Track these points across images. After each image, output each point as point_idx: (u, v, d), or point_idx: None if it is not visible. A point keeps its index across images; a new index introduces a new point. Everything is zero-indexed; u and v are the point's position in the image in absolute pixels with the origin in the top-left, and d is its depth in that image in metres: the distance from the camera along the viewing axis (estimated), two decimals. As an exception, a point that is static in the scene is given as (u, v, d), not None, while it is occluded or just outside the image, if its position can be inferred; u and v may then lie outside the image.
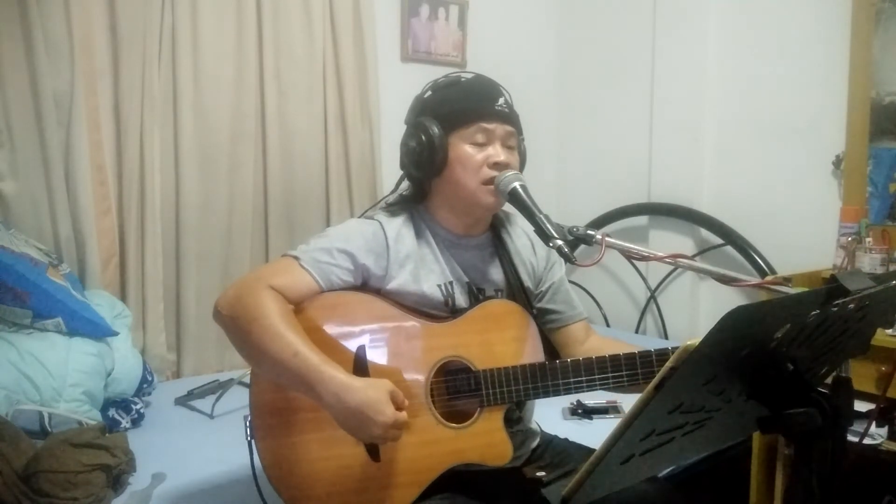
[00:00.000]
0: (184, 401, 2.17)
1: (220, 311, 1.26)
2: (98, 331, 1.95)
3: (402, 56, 2.98)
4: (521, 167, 1.41)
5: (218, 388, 2.19)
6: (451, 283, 1.38)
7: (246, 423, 1.28)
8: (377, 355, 1.29)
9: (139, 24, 2.30)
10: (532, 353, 1.35)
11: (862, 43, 2.40)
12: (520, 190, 1.29)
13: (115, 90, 2.31)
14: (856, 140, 2.44)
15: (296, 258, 1.30)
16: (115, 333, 2.00)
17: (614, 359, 1.27)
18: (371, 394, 1.15)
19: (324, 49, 2.68)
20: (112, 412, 1.96)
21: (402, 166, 1.41)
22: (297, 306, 1.27)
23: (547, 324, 1.49)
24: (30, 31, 2.08)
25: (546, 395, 1.29)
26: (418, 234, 1.38)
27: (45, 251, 2.06)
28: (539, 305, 1.49)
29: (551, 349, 1.42)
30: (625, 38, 3.19)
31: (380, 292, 1.35)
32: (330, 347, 1.25)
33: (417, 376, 1.30)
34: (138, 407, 2.02)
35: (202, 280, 2.49)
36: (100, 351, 1.93)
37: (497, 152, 1.33)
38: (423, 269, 1.36)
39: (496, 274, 1.43)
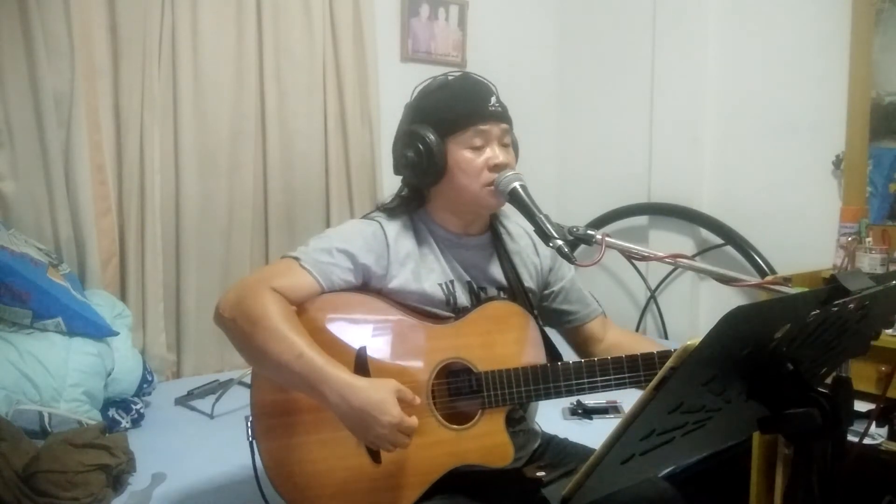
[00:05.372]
0: (184, 401, 2.17)
1: (221, 313, 1.25)
2: (98, 331, 1.95)
3: (401, 56, 2.98)
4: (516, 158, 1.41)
5: (218, 388, 2.19)
6: (451, 281, 1.38)
7: (247, 424, 1.27)
8: (378, 356, 1.29)
9: (139, 24, 2.30)
10: (533, 354, 1.34)
11: (862, 43, 2.40)
12: (520, 190, 1.29)
13: (115, 90, 2.31)
14: (856, 140, 2.44)
15: (296, 259, 1.30)
16: (115, 333, 2.00)
17: (616, 361, 1.27)
18: (374, 394, 1.15)
19: (324, 49, 2.68)
20: (112, 412, 1.96)
21: (397, 172, 1.41)
22: (299, 307, 1.27)
23: (564, 324, 1.50)
24: (30, 31, 2.08)
25: (548, 396, 1.29)
26: (418, 235, 1.38)
27: (45, 251, 2.05)
28: (553, 307, 1.49)
29: (552, 351, 1.42)
30: (625, 38, 3.19)
31: (381, 292, 1.34)
32: (332, 348, 1.25)
33: (419, 377, 1.29)
34: (138, 407, 2.02)
35: (202, 280, 2.49)
36: (100, 351, 1.93)
37: (496, 154, 1.32)
38: (424, 267, 1.36)
39: (497, 273, 1.43)
